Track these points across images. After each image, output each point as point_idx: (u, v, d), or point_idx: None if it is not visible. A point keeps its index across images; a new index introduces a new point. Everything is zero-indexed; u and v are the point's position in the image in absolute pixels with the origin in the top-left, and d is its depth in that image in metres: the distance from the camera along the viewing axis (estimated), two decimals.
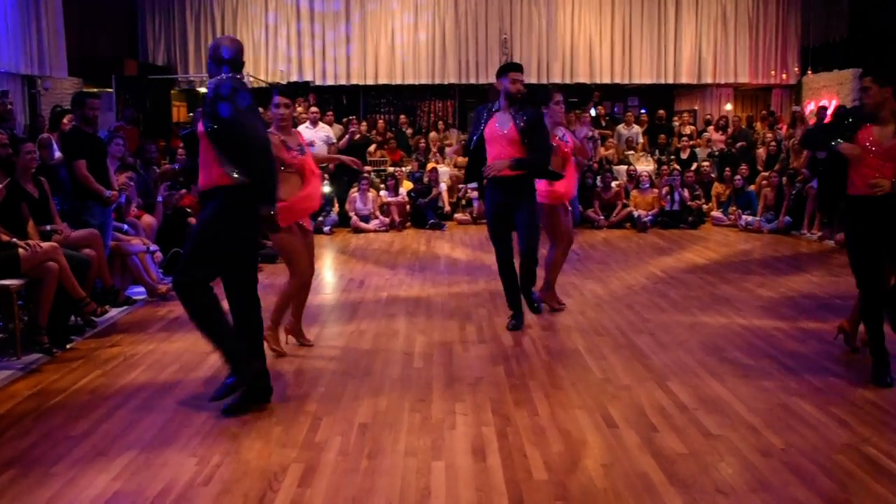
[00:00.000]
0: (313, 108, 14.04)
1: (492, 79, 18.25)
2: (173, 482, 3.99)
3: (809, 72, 18.63)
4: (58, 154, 8.14)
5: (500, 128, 6.61)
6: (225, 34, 18.07)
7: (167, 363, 6.01)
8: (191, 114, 15.03)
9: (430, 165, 15.08)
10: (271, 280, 8.46)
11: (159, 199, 9.54)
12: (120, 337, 6.83)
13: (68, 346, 6.45)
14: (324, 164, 13.19)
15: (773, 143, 14.99)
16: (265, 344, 5.49)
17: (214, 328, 4.96)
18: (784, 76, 19.09)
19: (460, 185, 14.91)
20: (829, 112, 14.55)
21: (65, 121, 8.78)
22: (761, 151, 15.20)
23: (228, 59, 4.94)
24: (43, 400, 5.24)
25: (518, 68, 6.77)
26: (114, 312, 7.52)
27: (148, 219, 9.11)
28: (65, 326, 6.60)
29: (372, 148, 15.70)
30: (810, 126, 12.54)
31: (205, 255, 4.88)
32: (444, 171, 15.16)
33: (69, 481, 4.01)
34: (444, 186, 14.51)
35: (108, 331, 7.03)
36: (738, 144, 15.53)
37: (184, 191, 10.17)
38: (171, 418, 4.90)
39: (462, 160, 15.54)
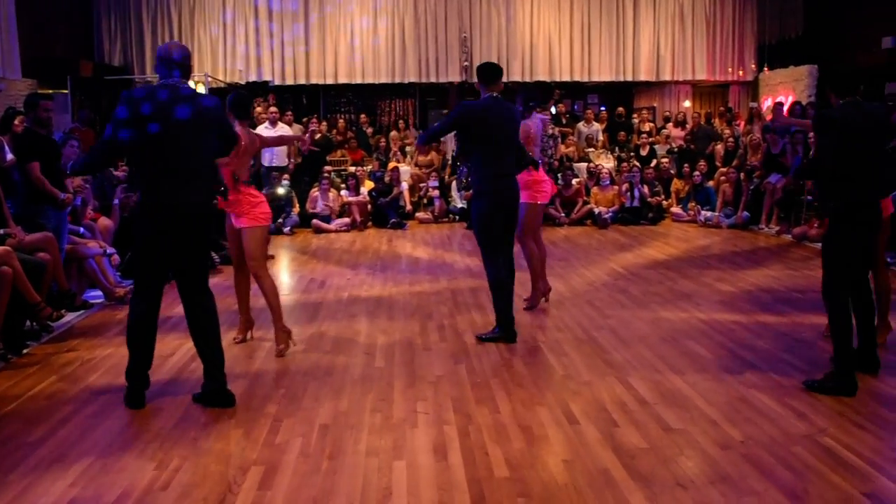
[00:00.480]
0: (272, 108, 13.97)
1: (452, 77, 18.41)
2: (131, 488, 3.94)
3: (766, 69, 18.83)
4: (10, 156, 8.01)
5: None
6: (182, 34, 17.96)
7: (125, 367, 5.89)
8: None
9: (391, 165, 15.07)
10: (231, 281, 8.36)
11: (116, 201, 9.42)
12: (77, 341, 6.73)
13: (24, 352, 6.35)
14: (282, 166, 13.19)
15: (732, 139, 15.13)
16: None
17: (128, 336, 5.10)
18: (741, 73, 19.27)
19: (421, 185, 14.91)
20: (786, 108, 14.71)
21: (16, 122, 8.63)
22: (719, 147, 15.33)
23: (179, 61, 5.02)
24: None
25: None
26: (70, 317, 7.42)
27: (104, 221, 9.00)
28: (20, 332, 6.49)
29: (337, 154, 15.69)
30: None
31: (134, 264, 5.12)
32: (406, 170, 15.14)
33: (25, 488, 3.95)
34: (405, 185, 14.49)
35: (65, 335, 6.93)
36: (713, 146, 15.58)
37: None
38: (129, 423, 4.85)
39: (423, 159, 15.57)
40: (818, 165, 5.60)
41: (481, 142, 6.44)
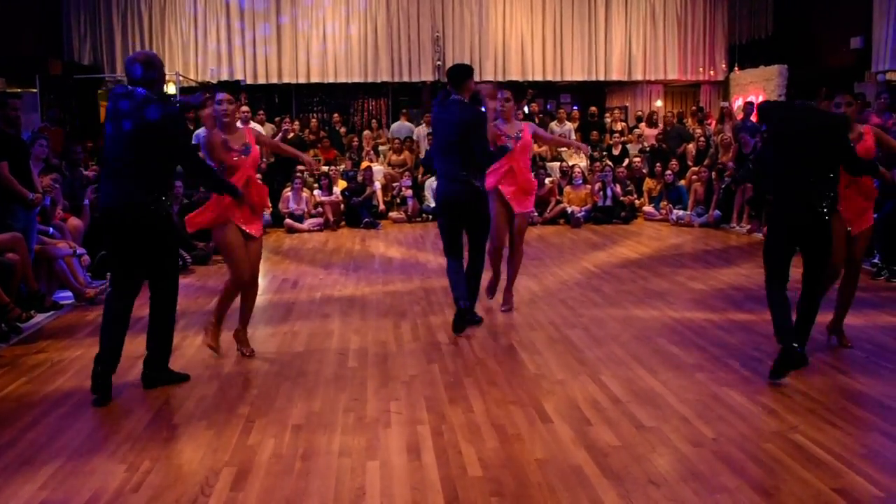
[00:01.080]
0: (244, 108, 13.84)
1: (424, 77, 18.40)
2: (102, 490, 3.90)
3: (736, 68, 18.97)
4: None
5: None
6: (153, 32, 17.82)
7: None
8: None
9: (364, 164, 15.03)
10: (203, 282, 8.34)
11: (86, 201, 9.33)
12: (46, 343, 6.66)
13: None
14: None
15: (703, 139, 15.22)
16: (204, 336, 6.10)
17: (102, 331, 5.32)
18: (712, 73, 19.40)
19: (394, 184, 14.89)
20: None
21: None
22: (691, 147, 15.42)
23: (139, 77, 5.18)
24: None
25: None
26: (40, 318, 7.35)
27: (74, 221, 8.91)
28: None
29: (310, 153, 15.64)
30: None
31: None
32: (379, 169, 15.12)
33: None
34: (378, 185, 14.47)
35: (34, 337, 6.86)
36: (684, 146, 15.63)
37: None
38: (100, 425, 4.81)
39: (397, 158, 15.56)
40: (758, 159, 5.83)
41: (434, 144, 6.96)
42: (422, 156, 15.74)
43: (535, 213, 13.72)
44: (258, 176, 7.42)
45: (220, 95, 5.80)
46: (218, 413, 4.94)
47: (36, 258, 7.60)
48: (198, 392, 5.33)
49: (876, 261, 9.01)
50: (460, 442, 4.41)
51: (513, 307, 7.47)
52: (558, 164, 15.52)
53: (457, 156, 6.57)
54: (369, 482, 3.94)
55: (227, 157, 5.68)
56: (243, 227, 5.83)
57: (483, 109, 6.76)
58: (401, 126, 16.90)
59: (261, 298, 8.11)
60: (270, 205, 13.59)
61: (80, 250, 8.33)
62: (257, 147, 5.96)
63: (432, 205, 13.96)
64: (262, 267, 9.99)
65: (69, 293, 8.05)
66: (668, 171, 14.18)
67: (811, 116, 5.45)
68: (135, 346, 6.30)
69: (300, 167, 14.35)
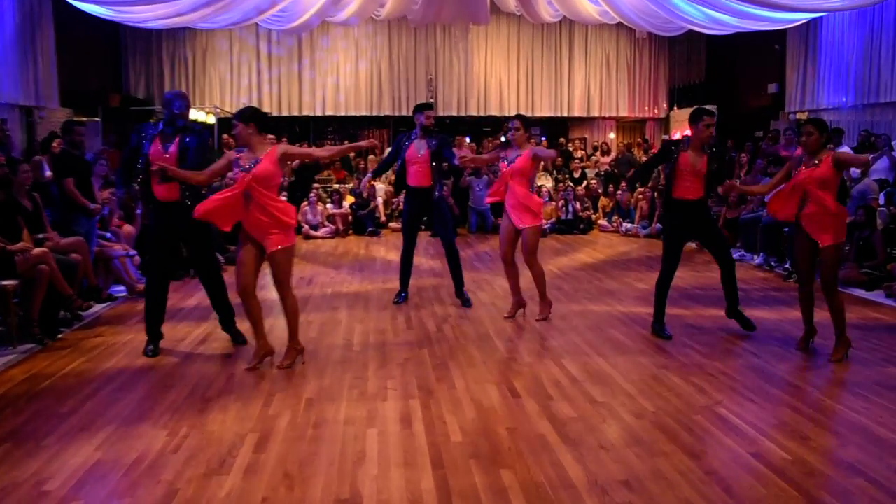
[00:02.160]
0: (270, 136, 13.84)
1: None
2: (147, 451, 3.88)
3: (675, 108, 19.01)
4: (48, 173, 7.88)
5: (416, 152, 7.19)
6: (196, 71, 17.77)
7: (143, 351, 5.85)
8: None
9: (369, 184, 14.99)
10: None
11: (138, 211, 9.28)
12: (103, 328, 6.62)
13: (58, 337, 6.25)
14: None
15: None
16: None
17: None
18: (656, 111, 19.45)
19: (394, 199, 14.86)
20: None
21: (54, 144, 8.48)
22: None
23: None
24: (35, 383, 5.06)
25: (431, 107, 7.46)
26: (97, 308, 7.32)
27: (128, 228, 8.87)
28: (55, 320, 6.38)
29: (324, 173, 15.62)
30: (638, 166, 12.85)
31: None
32: (381, 187, 15.07)
33: (57, 452, 3.88)
34: (380, 200, 14.43)
35: (93, 323, 6.82)
36: (631, 171, 15.55)
37: None
38: (146, 397, 4.78)
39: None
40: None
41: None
42: None
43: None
44: (283, 195, 7.35)
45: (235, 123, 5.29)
46: (244, 388, 4.92)
47: (95, 258, 7.56)
48: (227, 371, 5.31)
49: (787, 266, 9.05)
50: (445, 413, 4.40)
51: (547, 317, 6.83)
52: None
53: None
54: (369, 446, 3.93)
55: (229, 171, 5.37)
56: (259, 240, 5.22)
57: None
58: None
59: None
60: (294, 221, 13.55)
61: (131, 252, 8.28)
62: (270, 164, 5.14)
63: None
64: None
65: (123, 287, 8.00)
66: (619, 191, 14.19)
67: None
68: (175, 332, 6.30)
69: (315, 185, 14.31)
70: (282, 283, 5.30)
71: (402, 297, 7.61)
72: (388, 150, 15.90)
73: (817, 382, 5.00)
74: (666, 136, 17.94)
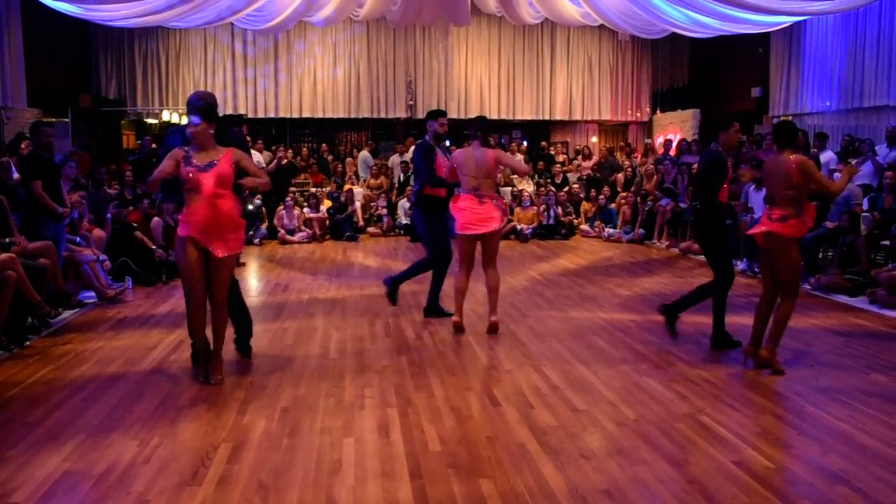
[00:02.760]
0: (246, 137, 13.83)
1: (399, 113, 18.42)
2: (117, 462, 3.85)
3: (658, 111, 19.17)
4: (16, 175, 7.80)
5: (444, 161, 6.94)
6: (169, 72, 17.68)
7: (114, 358, 5.81)
8: (139, 141, 14.61)
9: (346, 187, 14.98)
10: None
11: (108, 215, 9.23)
12: (72, 336, 6.57)
13: (25, 344, 6.20)
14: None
15: (630, 169, 15.32)
16: None
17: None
18: (638, 115, 19.60)
19: (372, 204, 14.85)
20: (675, 144, 14.99)
21: (22, 146, 8.40)
22: (620, 176, 15.50)
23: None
24: (2, 391, 5.02)
25: (444, 114, 7.25)
26: (66, 314, 7.26)
27: (98, 232, 8.80)
28: (22, 326, 6.33)
29: (301, 177, 15.59)
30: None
31: None
32: (359, 191, 15.08)
33: (24, 463, 3.85)
34: (358, 204, 14.42)
35: (61, 330, 6.77)
36: (615, 175, 15.68)
37: (130, 208, 9.86)
38: (116, 406, 4.74)
39: (374, 182, 15.54)
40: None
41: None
42: (395, 180, 15.68)
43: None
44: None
45: (191, 118, 5.08)
46: (217, 397, 4.89)
47: (64, 263, 7.49)
48: (201, 379, 5.27)
49: None
50: (423, 422, 4.41)
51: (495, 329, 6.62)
52: (509, 188, 15.56)
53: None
54: (345, 456, 3.92)
55: (180, 170, 5.01)
56: (204, 245, 5.02)
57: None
58: (365, 156, 16.89)
59: (256, 299, 8.11)
60: (267, 219, 13.51)
61: (102, 256, 8.23)
62: (228, 166, 5.03)
63: (404, 222, 13.95)
64: (258, 272, 10.06)
65: (92, 293, 7.93)
66: (601, 196, 14.27)
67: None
68: (148, 339, 6.26)
69: (292, 189, 14.27)
70: (223, 292, 5.16)
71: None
72: (395, 167, 15.95)
73: (800, 390, 5.05)
74: (648, 140, 18.06)
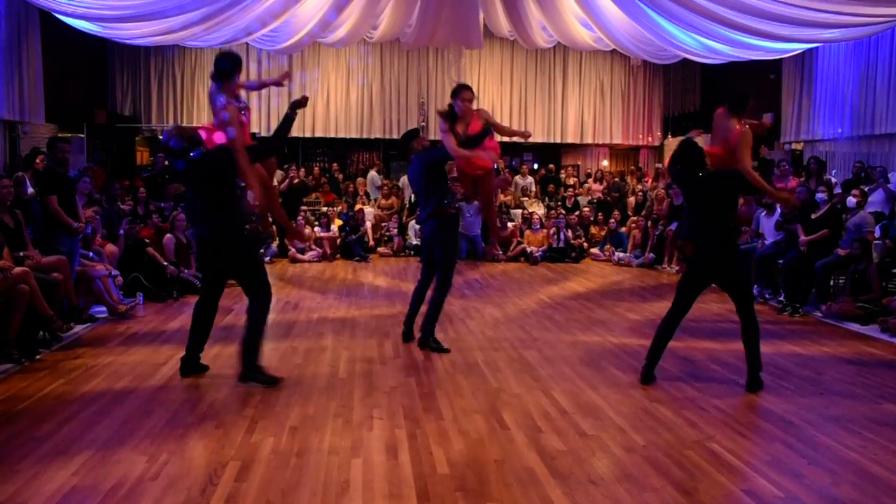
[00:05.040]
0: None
1: None
2: (125, 478, 3.86)
3: (670, 135, 19.20)
4: (31, 190, 7.88)
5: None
6: (184, 90, 17.86)
7: (124, 373, 5.83)
8: (152, 157, 14.74)
9: (357, 206, 15.02)
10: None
11: (121, 231, 9.28)
12: (82, 350, 6.59)
13: (36, 358, 6.22)
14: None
15: (641, 193, 15.32)
16: None
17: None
18: (650, 139, 19.65)
19: (383, 224, 14.89)
20: None
21: (37, 161, 8.49)
22: (631, 200, 15.52)
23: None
24: (12, 404, 5.03)
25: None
26: (78, 328, 7.29)
27: (111, 248, 8.84)
28: (34, 340, 6.36)
29: (312, 196, 15.67)
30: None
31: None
32: (370, 211, 15.14)
33: (32, 476, 3.86)
34: (369, 224, 14.46)
35: (73, 345, 6.79)
36: (612, 195, 15.74)
37: (142, 225, 9.92)
38: (126, 421, 4.75)
39: (385, 202, 15.58)
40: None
41: None
42: (406, 201, 15.73)
43: (500, 252, 13.74)
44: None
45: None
46: (226, 414, 4.90)
47: (77, 278, 7.54)
48: (210, 396, 5.29)
49: (781, 299, 9.11)
50: (431, 444, 4.39)
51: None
52: (520, 211, 15.59)
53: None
54: (353, 477, 3.92)
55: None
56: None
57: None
58: (373, 176, 16.97)
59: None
60: (278, 238, 13.55)
61: (114, 272, 8.27)
62: None
63: (415, 242, 13.98)
64: None
65: (104, 308, 7.97)
66: (612, 220, 14.27)
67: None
68: (158, 355, 6.28)
69: (302, 207, 14.33)
70: None
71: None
72: (405, 187, 16.03)
73: (811, 418, 5.02)
74: (659, 165, 18.07)
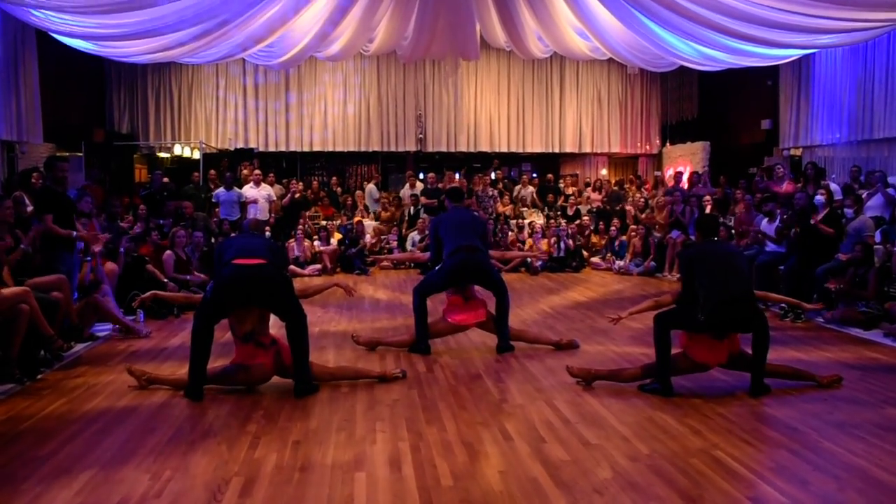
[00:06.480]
0: (256, 171, 14.09)
1: (409, 147, 18.59)
2: (129, 496, 3.85)
3: (668, 143, 19.27)
4: (30, 208, 7.90)
5: None
6: (181, 106, 17.93)
7: (125, 392, 5.82)
8: (150, 175, 14.80)
9: (356, 219, 15.04)
10: None
11: (121, 249, 9.29)
12: (84, 369, 6.59)
13: (38, 377, 6.20)
14: (264, 220, 13.04)
15: (641, 201, 15.31)
16: None
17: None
18: (648, 147, 19.70)
19: (383, 237, 14.91)
20: (686, 177, 15.04)
21: (33, 179, 8.51)
22: (630, 208, 15.52)
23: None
24: (14, 424, 5.03)
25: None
26: (79, 347, 7.28)
27: (111, 265, 8.83)
28: (35, 359, 6.34)
29: (312, 210, 15.72)
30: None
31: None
32: (369, 224, 15.17)
33: (36, 496, 3.85)
34: (368, 238, 14.48)
35: (74, 363, 6.79)
36: (618, 206, 15.72)
37: (141, 242, 9.94)
38: (128, 439, 4.75)
39: (385, 215, 15.62)
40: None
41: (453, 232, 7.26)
42: (405, 213, 15.75)
43: (501, 263, 13.72)
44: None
45: None
46: (229, 430, 4.90)
47: (86, 304, 7.57)
48: (212, 412, 5.29)
49: (783, 305, 9.11)
50: (435, 457, 4.39)
51: None
52: (521, 221, 15.61)
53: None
54: (357, 491, 3.92)
55: None
56: None
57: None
58: (371, 189, 17.02)
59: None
60: None
61: (107, 289, 8.22)
62: None
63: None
64: None
65: (106, 326, 7.96)
66: (612, 228, 14.30)
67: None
68: (160, 372, 6.26)
69: (301, 221, 14.35)
70: None
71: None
72: (405, 199, 16.13)
73: (815, 424, 5.02)
74: (658, 173, 18.12)
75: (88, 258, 8.03)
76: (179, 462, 4.33)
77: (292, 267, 13.19)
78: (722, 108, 17.51)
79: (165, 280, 9.25)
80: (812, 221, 9.22)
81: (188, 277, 9.63)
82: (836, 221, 9.25)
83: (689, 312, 5.64)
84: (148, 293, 6.33)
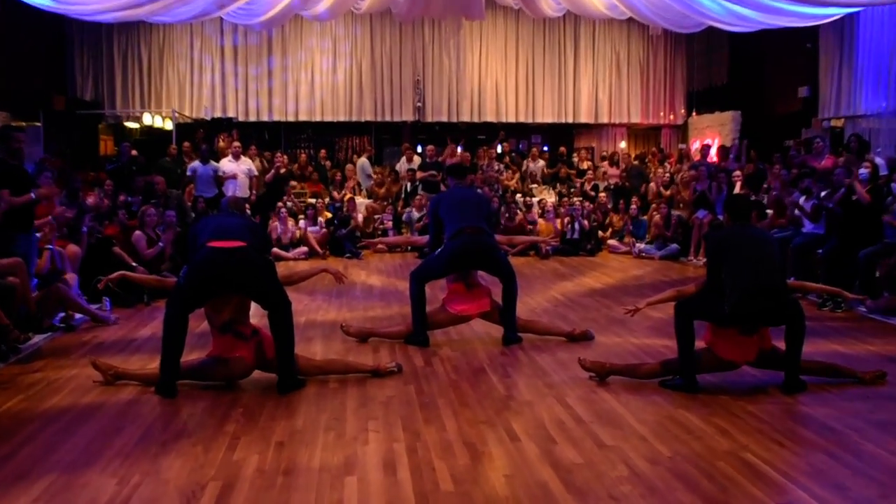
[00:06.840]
0: (236, 143, 14.01)
1: (405, 117, 18.55)
2: (93, 502, 3.86)
3: (694, 113, 19.21)
4: None
5: None
6: (151, 71, 17.89)
7: (89, 387, 5.83)
8: (117, 147, 14.76)
9: (346, 195, 15.01)
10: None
11: (84, 228, 9.26)
12: (43, 362, 6.59)
13: None
14: (245, 197, 13.03)
15: (667, 176, 15.28)
16: None
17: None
18: (672, 117, 19.66)
19: (376, 216, 14.91)
20: (714, 150, 15.01)
21: None
22: (652, 185, 15.52)
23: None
24: None
25: None
26: (37, 339, 7.27)
27: (73, 248, 8.83)
28: None
29: (294, 183, 15.67)
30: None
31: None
32: (361, 202, 15.16)
33: None
34: (360, 216, 14.47)
35: (32, 357, 6.78)
36: (644, 185, 15.68)
37: (107, 222, 9.92)
38: (93, 440, 4.75)
39: (380, 191, 15.62)
40: None
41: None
42: (402, 190, 15.74)
43: (508, 246, 13.72)
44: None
45: None
46: (205, 430, 4.90)
47: (47, 293, 7.57)
48: (186, 410, 5.29)
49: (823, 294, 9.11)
50: (434, 459, 4.40)
51: None
52: (530, 198, 15.60)
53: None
54: (347, 496, 3.92)
55: None
56: None
57: None
58: (363, 163, 16.99)
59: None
60: None
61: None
62: None
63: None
64: None
65: (80, 317, 7.97)
66: (633, 207, 14.30)
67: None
68: (128, 366, 6.27)
69: (284, 198, 14.33)
70: None
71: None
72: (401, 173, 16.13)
73: (855, 424, 5.02)
74: (683, 146, 18.09)
75: (50, 246, 8.04)
76: (150, 465, 4.33)
77: (275, 250, 13.20)
78: (755, 74, 17.44)
79: (134, 264, 9.24)
80: (853, 197, 9.20)
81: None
82: (879, 198, 9.23)
83: (714, 302, 5.63)
84: (115, 273, 6.28)
